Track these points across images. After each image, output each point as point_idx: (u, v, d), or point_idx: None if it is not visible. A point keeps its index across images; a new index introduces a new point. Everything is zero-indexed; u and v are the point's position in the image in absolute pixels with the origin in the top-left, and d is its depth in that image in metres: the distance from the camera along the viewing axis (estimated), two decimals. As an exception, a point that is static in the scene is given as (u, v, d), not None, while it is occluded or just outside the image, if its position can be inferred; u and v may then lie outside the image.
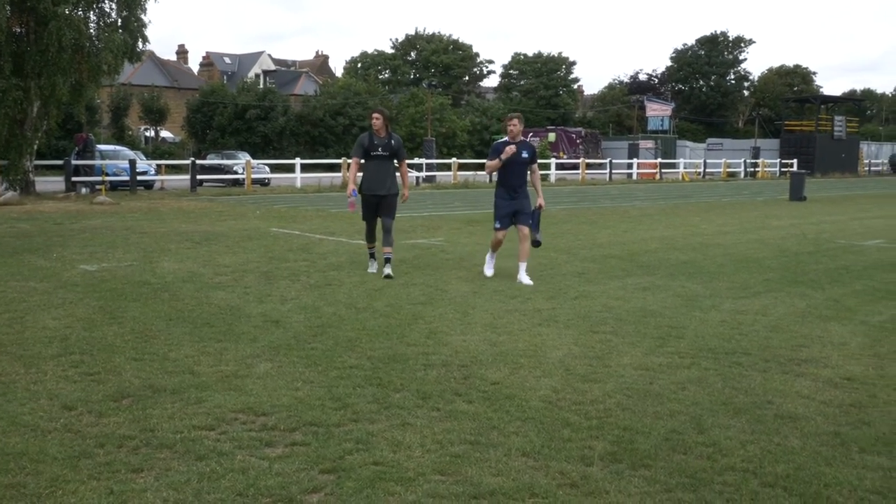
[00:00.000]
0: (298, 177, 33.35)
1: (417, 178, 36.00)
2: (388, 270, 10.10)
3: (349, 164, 10.84)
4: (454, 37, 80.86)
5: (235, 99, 54.24)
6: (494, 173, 10.29)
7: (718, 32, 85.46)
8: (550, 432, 4.68)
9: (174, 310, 7.97)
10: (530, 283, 9.68)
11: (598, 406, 5.17)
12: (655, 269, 11.13)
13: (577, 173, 42.37)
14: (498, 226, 10.08)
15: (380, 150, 10.15)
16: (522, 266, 9.94)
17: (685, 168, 51.05)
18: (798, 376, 5.94)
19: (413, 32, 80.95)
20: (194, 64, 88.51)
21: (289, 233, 15.31)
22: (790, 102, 73.47)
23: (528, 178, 10.26)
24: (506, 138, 10.03)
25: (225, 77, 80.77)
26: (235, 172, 34.03)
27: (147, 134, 57.29)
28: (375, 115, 10.25)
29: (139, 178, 28.62)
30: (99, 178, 26.90)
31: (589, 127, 71.25)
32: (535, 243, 10.14)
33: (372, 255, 10.68)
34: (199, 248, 12.74)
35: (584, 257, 11.91)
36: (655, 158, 51.87)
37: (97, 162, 28.50)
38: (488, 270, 10.31)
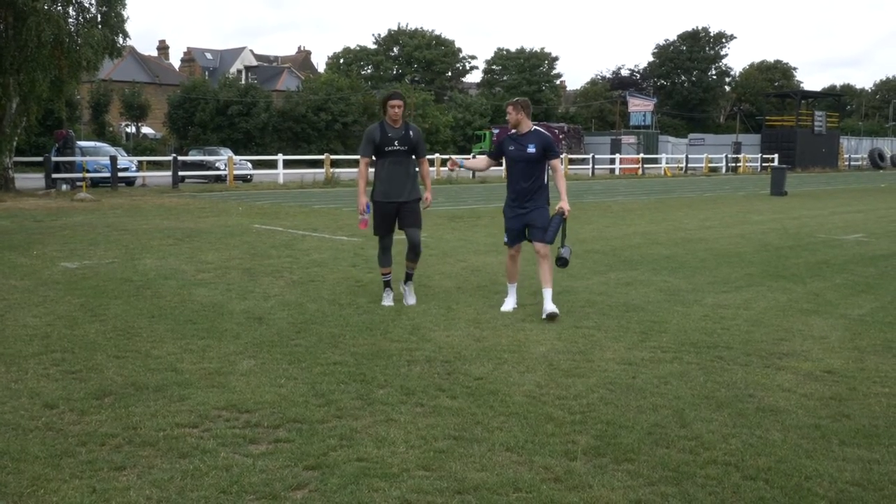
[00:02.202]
0: (281, 173, 33.21)
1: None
2: (410, 298, 8.23)
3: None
4: (437, 32, 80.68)
5: (217, 95, 53.95)
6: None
7: (700, 28, 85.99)
8: (534, 427, 4.70)
9: (156, 307, 7.93)
10: (555, 311, 7.57)
11: (582, 401, 5.19)
12: (638, 263, 11.17)
13: (560, 169, 42.39)
14: (506, 240, 8.09)
15: (396, 143, 8.00)
16: (547, 294, 7.72)
17: (667, 163, 51.22)
18: (779, 370, 5.98)
19: (395, 28, 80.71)
20: (175, 60, 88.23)
21: (271, 229, 15.26)
22: (771, 97, 73.91)
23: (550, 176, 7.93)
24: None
25: (206, 73, 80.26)
26: (217, 169, 33.87)
27: (128, 130, 56.89)
28: (396, 101, 7.94)
29: (120, 174, 28.44)
30: (79, 175, 26.72)
31: (571, 122, 71.40)
32: (559, 261, 7.82)
33: (387, 284, 8.30)
34: (182, 245, 12.68)
35: (567, 252, 11.92)
36: (638, 154, 52.04)
37: (77, 158, 28.33)
38: (507, 305, 8.06)
